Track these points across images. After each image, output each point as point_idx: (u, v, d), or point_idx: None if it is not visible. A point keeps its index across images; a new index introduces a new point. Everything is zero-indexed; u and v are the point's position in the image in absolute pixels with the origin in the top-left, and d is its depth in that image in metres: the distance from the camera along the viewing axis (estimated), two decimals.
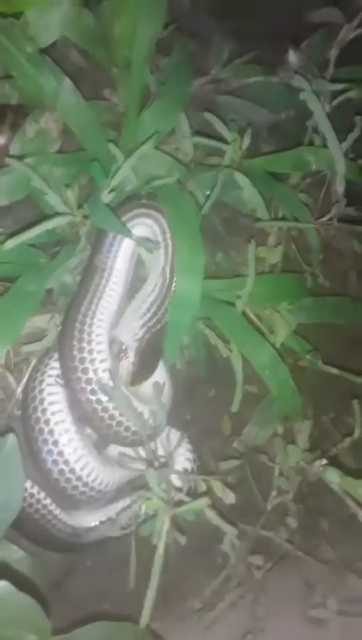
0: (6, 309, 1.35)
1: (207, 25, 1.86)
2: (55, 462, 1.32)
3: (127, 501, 1.44)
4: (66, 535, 1.44)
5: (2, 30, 1.44)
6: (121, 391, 1.29)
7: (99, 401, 1.29)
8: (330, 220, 1.70)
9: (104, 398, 1.29)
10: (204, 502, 1.29)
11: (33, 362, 1.42)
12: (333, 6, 1.87)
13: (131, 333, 1.34)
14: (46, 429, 1.33)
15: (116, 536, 1.43)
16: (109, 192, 1.42)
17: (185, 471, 1.45)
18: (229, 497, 1.41)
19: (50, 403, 1.34)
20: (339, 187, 1.66)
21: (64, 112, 1.47)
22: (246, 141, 1.61)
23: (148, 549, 1.28)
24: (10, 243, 1.34)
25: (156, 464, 1.34)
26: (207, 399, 1.67)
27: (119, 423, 1.31)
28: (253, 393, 1.58)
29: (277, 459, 1.61)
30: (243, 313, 1.52)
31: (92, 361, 1.30)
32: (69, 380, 1.31)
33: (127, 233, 1.37)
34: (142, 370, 1.35)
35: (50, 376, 1.36)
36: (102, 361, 1.30)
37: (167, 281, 1.39)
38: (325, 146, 1.66)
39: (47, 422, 1.33)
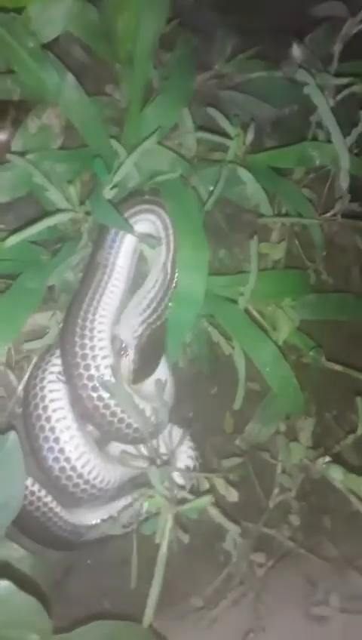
0: (7, 307, 1.34)
1: (210, 20, 1.85)
2: (56, 459, 1.32)
3: (128, 499, 1.44)
4: (67, 533, 1.43)
5: (4, 25, 1.44)
6: (122, 388, 1.28)
7: (100, 398, 1.29)
8: (334, 215, 1.69)
9: (106, 395, 1.29)
10: (207, 500, 1.29)
11: (34, 360, 1.41)
12: (337, 0, 1.85)
13: (130, 330, 1.33)
14: (47, 426, 1.32)
15: (117, 534, 1.42)
16: (112, 189, 1.41)
17: (188, 468, 1.45)
18: (232, 495, 1.41)
19: (52, 400, 1.34)
20: (343, 182, 1.65)
21: (66, 107, 1.47)
22: (250, 136, 1.60)
23: (149, 546, 1.28)
24: (12, 240, 1.33)
25: (158, 462, 1.34)
26: (209, 396, 1.67)
27: (120, 420, 1.30)
28: (256, 390, 1.57)
29: (279, 456, 1.60)
30: (246, 310, 1.52)
31: (94, 357, 1.29)
32: (70, 376, 1.31)
33: (129, 229, 1.37)
34: (143, 368, 1.34)
35: (51, 373, 1.35)
36: (104, 357, 1.29)
37: (168, 276, 1.39)
38: (329, 141, 1.65)
39: (48, 419, 1.33)
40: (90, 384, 1.29)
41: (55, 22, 1.49)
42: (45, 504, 1.38)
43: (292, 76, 1.71)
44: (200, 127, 1.61)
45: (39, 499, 1.38)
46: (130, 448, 1.38)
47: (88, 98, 1.48)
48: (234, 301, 1.50)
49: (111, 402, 1.29)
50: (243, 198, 1.62)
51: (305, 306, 1.62)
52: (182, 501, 1.28)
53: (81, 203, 1.42)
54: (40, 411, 1.33)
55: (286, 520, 1.64)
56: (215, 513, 1.33)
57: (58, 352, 1.35)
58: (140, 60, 1.55)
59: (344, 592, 1.60)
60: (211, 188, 1.54)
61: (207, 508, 1.32)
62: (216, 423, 1.66)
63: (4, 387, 1.43)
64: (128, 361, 1.31)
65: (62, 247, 1.45)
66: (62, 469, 1.32)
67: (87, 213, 1.43)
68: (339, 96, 1.71)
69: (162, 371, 1.40)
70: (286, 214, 1.68)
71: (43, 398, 1.34)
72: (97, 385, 1.29)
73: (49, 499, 1.39)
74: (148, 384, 1.37)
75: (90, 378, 1.29)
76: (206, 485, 1.44)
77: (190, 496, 1.31)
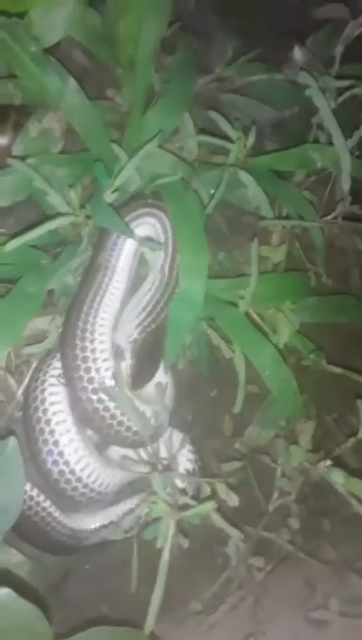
0: (7, 311, 1.34)
1: (211, 23, 1.85)
2: (55, 462, 1.33)
3: (128, 504, 1.45)
4: (66, 537, 1.44)
5: (6, 29, 1.44)
6: (123, 391, 1.29)
7: (100, 400, 1.29)
8: (335, 218, 1.69)
9: (105, 398, 1.29)
10: (210, 506, 1.29)
11: (34, 364, 1.41)
12: (339, 2, 1.85)
13: (126, 334, 1.33)
14: (47, 429, 1.33)
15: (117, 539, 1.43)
16: (113, 192, 1.41)
17: (187, 472, 1.45)
18: (233, 500, 1.41)
19: (52, 403, 1.34)
20: (345, 185, 1.65)
21: (68, 111, 1.47)
22: (251, 139, 1.60)
23: (148, 551, 1.29)
24: (12, 244, 1.33)
25: (159, 467, 1.34)
26: (209, 399, 1.67)
27: (120, 423, 1.31)
28: (255, 393, 1.57)
29: (279, 460, 1.60)
30: (246, 313, 1.52)
31: (94, 360, 1.29)
32: (70, 378, 1.31)
33: (130, 234, 1.37)
34: (141, 373, 1.34)
35: (52, 376, 1.36)
36: (104, 360, 1.30)
37: (165, 279, 1.39)
38: (330, 144, 1.64)
39: (48, 422, 1.33)
40: (90, 387, 1.29)
41: (57, 26, 1.49)
42: (44, 509, 1.39)
43: (294, 79, 1.70)
44: (202, 131, 1.61)
45: (38, 503, 1.38)
46: (131, 453, 1.38)
47: (89, 102, 1.48)
48: (235, 304, 1.50)
49: (111, 405, 1.29)
50: (244, 200, 1.62)
51: (306, 309, 1.63)
52: (184, 507, 1.28)
53: (82, 207, 1.42)
54: (40, 414, 1.33)
55: (286, 523, 1.64)
56: (217, 518, 1.33)
57: (59, 355, 1.35)
58: (141, 63, 1.55)
59: (344, 596, 1.59)
60: (212, 191, 1.54)
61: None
62: (216, 426, 1.66)
63: (4, 391, 1.43)
64: (125, 366, 1.31)
65: (62, 251, 1.45)
66: (61, 472, 1.33)
67: (88, 217, 1.43)
68: (341, 99, 1.71)
69: (162, 374, 1.40)
70: (287, 217, 1.68)
71: (43, 400, 1.34)
72: (97, 387, 1.29)
73: (48, 503, 1.39)
74: (149, 387, 1.37)
75: (90, 381, 1.29)
76: (206, 489, 1.44)
77: (192, 502, 1.30)
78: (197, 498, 1.37)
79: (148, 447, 1.35)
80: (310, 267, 1.74)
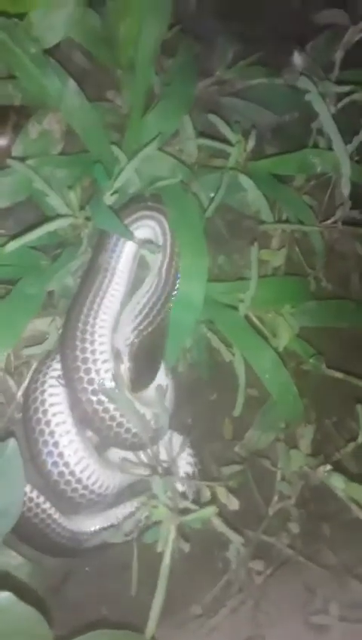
0: (7, 312, 1.34)
1: (212, 26, 1.86)
2: (55, 463, 1.32)
3: (128, 507, 1.44)
4: (65, 540, 1.43)
5: (6, 30, 1.43)
6: (123, 393, 1.28)
7: (100, 402, 1.29)
8: (335, 222, 1.69)
9: (105, 399, 1.28)
10: (211, 510, 1.28)
11: (34, 365, 1.41)
12: (339, 8, 1.86)
13: (123, 337, 1.33)
14: (47, 431, 1.32)
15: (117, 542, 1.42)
16: (112, 194, 1.41)
17: (187, 475, 1.45)
18: (233, 504, 1.40)
19: (52, 404, 1.34)
20: (344, 190, 1.65)
21: (68, 113, 1.47)
22: (251, 143, 1.60)
23: (148, 553, 1.28)
24: (12, 245, 1.33)
25: (159, 469, 1.34)
26: (209, 403, 1.67)
27: (120, 425, 1.30)
28: (255, 397, 1.57)
29: (279, 463, 1.60)
30: (246, 317, 1.51)
31: (94, 361, 1.29)
32: (70, 380, 1.31)
33: (129, 236, 1.37)
34: (140, 376, 1.33)
35: (51, 377, 1.35)
36: (104, 361, 1.29)
37: (163, 282, 1.38)
38: (330, 148, 1.64)
39: (47, 423, 1.33)
40: (90, 388, 1.29)
41: (57, 28, 1.49)
42: (43, 510, 1.38)
43: (294, 83, 1.71)
44: (201, 134, 1.61)
45: (38, 505, 1.37)
46: (131, 456, 1.37)
47: (89, 104, 1.48)
48: (234, 307, 1.50)
49: (111, 406, 1.29)
50: (244, 204, 1.62)
51: (305, 313, 1.62)
52: (185, 511, 1.27)
53: (81, 208, 1.42)
54: (39, 415, 1.33)
55: (286, 527, 1.64)
56: (217, 523, 1.33)
57: (59, 357, 1.35)
58: (142, 66, 1.55)
59: (343, 601, 1.59)
60: (212, 194, 1.54)
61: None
62: (216, 429, 1.66)
63: (4, 393, 1.43)
64: (124, 369, 1.30)
65: (62, 252, 1.45)
66: (61, 474, 1.32)
67: (87, 219, 1.43)
68: (340, 104, 1.71)
69: (162, 377, 1.40)
70: (287, 221, 1.68)
71: (43, 402, 1.34)
72: (97, 389, 1.28)
73: (47, 505, 1.39)
74: (149, 389, 1.36)
75: (90, 382, 1.28)
76: (206, 492, 1.43)
77: (193, 506, 1.30)
78: (197, 501, 1.37)
79: (148, 450, 1.34)
80: (310, 271, 1.74)
